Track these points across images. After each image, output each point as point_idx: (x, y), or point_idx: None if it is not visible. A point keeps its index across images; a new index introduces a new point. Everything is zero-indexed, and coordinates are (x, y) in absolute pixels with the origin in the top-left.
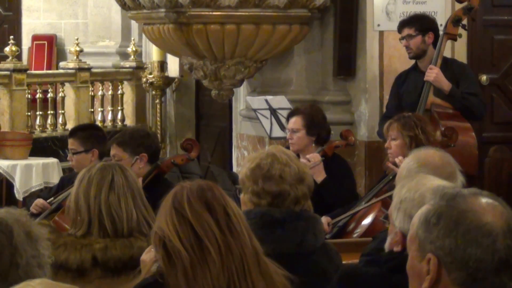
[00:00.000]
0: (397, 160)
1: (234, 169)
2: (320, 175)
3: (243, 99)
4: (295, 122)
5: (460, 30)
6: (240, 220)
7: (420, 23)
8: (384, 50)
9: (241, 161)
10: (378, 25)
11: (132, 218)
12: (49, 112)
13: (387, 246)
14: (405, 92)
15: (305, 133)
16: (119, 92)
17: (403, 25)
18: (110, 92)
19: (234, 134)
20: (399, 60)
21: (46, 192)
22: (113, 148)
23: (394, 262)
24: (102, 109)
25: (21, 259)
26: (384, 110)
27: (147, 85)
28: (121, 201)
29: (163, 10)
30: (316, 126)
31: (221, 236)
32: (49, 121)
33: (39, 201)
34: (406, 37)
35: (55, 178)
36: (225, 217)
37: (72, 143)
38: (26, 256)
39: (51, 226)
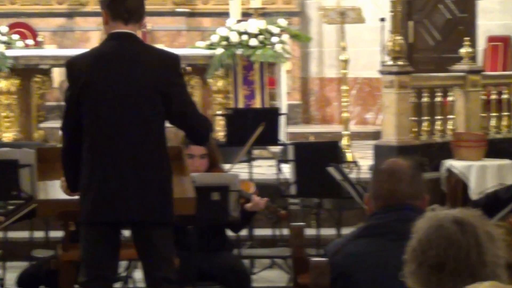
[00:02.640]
0: None
1: None
2: None
3: None
4: None
5: None
6: None
7: None
8: None
9: None
10: None
11: None
12: (504, 113)
13: None
14: None
15: None
16: None
17: None
18: None
19: None
20: None
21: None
22: None
23: None
24: None
25: (487, 257)
26: None
27: None
28: None
29: None
30: None
31: None
32: (504, 122)
33: None
34: None
35: (509, 180)
36: None
37: None
38: (490, 254)
39: (507, 228)
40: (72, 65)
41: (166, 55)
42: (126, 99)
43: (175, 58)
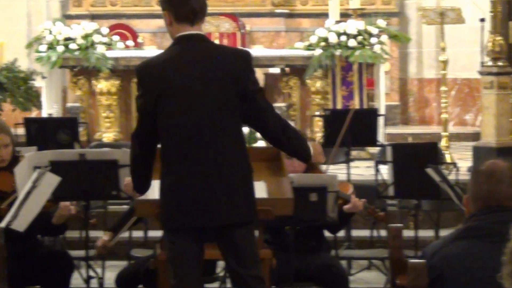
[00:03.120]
0: None
1: None
2: None
3: None
4: None
5: None
6: None
7: None
8: None
9: None
10: None
11: None
12: None
13: None
14: None
15: None
16: None
17: None
18: None
19: None
20: None
21: None
22: None
23: None
24: None
25: None
26: None
27: None
28: None
29: None
30: None
31: None
32: None
33: None
34: None
35: None
36: None
37: None
38: None
39: None
40: (145, 72)
41: (239, 52)
42: (206, 102)
43: (248, 55)
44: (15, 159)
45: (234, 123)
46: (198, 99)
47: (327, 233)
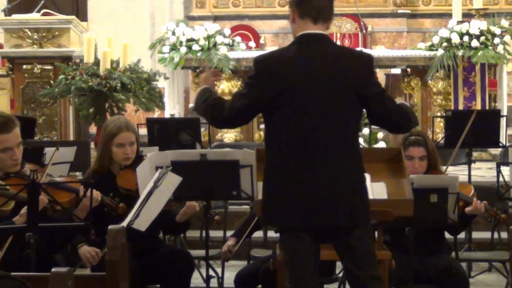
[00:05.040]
0: None
1: None
2: None
3: None
4: None
5: None
6: None
7: None
8: None
9: None
10: None
11: None
12: None
13: None
14: None
15: None
16: None
17: None
18: None
19: None
20: None
21: None
22: None
23: None
24: None
25: None
26: None
27: None
28: None
29: None
30: None
31: None
32: None
33: None
34: None
35: None
36: None
37: None
38: None
39: None
40: (265, 65)
41: (362, 56)
42: (326, 104)
43: (371, 59)
44: (139, 158)
45: (352, 126)
46: (318, 99)
47: (447, 235)
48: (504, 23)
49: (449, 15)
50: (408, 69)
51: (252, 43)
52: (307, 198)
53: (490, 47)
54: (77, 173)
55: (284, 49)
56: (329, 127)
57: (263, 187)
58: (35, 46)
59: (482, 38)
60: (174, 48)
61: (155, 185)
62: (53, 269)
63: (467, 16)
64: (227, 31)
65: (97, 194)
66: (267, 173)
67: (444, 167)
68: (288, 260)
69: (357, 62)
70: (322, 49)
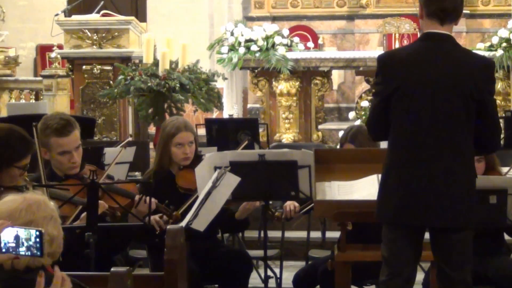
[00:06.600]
0: None
1: None
2: None
3: None
4: None
5: None
6: None
7: None
8: None
9: None
10: None
11: None
12: None
13: None
14: None
15: None
16: None
17: None
18: None
19: None
20: None
21: None
22: None
23: None
24: None
25: None
26: None
27: None
28: None
29: None
30: None
31: None
32: None
33: None
34: None
35: None
36: None
37: None
38: None
39: None
40: (386, 61)
41: (485, 60)
42: (443, 104)
43: (492, 65)
44: (198, 158)
45: (467, 129)
46: (435, 99)
47: (507, 236)
48: None
49: (508, 15)
50: None
51: (310, 44)
52: (413, 195)
53: None
54: (136, 173)
55: (408, 45)
56: (443, 130)
57: (381, 182)
58: (94, 46)
59: None
60: (232, 48)
61: (213, 185)
62: (112, 269)
63: None
64: (286, 32)
65: (153, 201)
66: (386, 166)
67: (504, 168)
68: (387, 253)
69: (481, 67)
70: (446, 50)
